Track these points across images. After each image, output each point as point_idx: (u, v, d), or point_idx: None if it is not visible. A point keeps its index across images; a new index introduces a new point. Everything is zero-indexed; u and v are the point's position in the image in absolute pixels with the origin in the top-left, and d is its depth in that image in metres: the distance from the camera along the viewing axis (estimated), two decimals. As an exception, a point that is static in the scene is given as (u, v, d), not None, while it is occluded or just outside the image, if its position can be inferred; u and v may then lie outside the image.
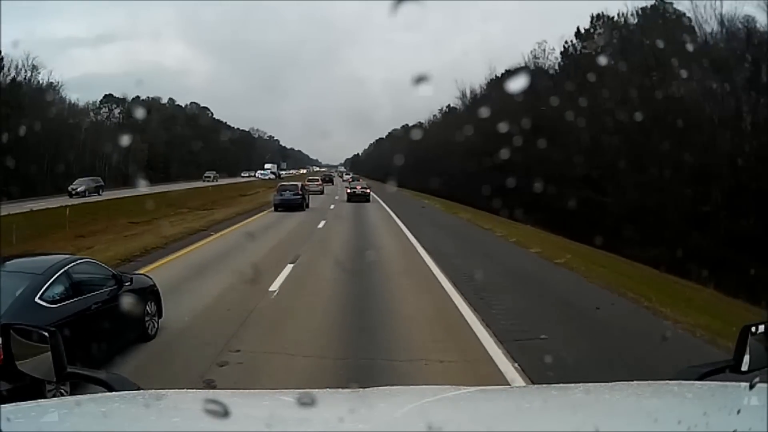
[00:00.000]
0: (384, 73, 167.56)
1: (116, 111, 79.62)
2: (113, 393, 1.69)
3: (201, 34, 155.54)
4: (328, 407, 1.66)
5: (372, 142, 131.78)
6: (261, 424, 1.46)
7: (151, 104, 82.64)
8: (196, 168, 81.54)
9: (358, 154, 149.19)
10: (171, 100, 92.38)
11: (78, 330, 5.43)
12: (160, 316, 7.41)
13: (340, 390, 2.13)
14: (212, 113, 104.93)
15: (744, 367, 1.71)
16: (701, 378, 1.77)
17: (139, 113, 78.58)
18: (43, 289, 5.42)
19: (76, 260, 6.32)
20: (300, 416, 1.56)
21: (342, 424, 1.45)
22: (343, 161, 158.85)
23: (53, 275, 5.63)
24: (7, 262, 6.16)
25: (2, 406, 1.43)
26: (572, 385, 1.77)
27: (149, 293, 7.36)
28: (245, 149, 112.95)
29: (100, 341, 5.80)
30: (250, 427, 1.44)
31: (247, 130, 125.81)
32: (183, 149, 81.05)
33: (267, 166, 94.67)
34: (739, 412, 1.38)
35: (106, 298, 6.24)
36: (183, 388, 1.97)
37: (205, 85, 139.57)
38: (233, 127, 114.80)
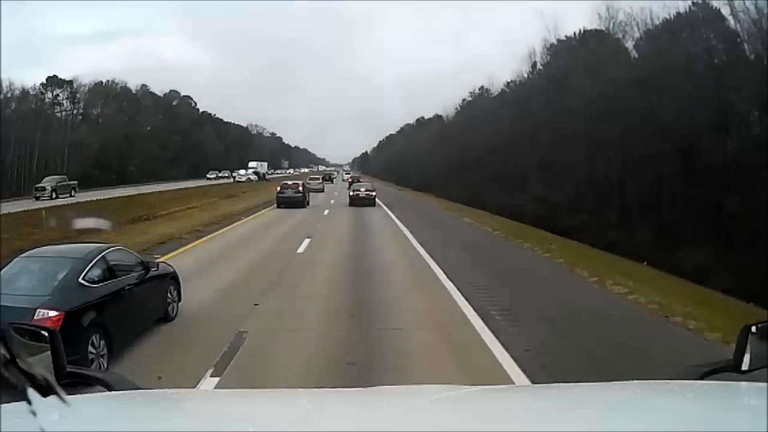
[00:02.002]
0: (394, 68, 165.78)
1: (62, 97, 62.85)
2: (113, 393, 1.69)
3: (201, 27, 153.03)
4: (329, 407, 1.66)
5: (381, 139, 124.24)
6: (261, 424, 1.46)
7: (109, 90, 67.32)
8: (168, 167, 68.67)
9: (366, 152, 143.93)
10: (144, 86, 75.70)
11: (113, 308, 6.40)
12: (179, 300, 8.26)
13: (341, 390, 2.14)
14: (195, 103, 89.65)
15: (744, 367, 1.71)
16: (701, 378, 1.77)
17: (93, 100, 64.80)
18: (85, 271, 6.31)
19: (110, 247, 7.15)
20: (301, 416, 1.56)
21: (342, 424, 1.45)
22: (350, 160, 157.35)
23: (92, 260, 6.52)
24: (50, 249, 7.34)
25: (2, 406, 1.43)
26: (572, 384, 1.77)
27: (171, 279, 8.21)
28: (238, 146, 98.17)
29: (132, 319, 6.82)
30: (250, 427, 1.44)
31: (244, 125, 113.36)
32: (152, 144, 68.04)
33: (251, 164, 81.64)
34: (739, 411, 1.38)
35: (136, 282, 7.09)
36: (189, 378, 1.97)
37: (203, 79, 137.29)
38: (226, 122, 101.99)
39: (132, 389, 1.74)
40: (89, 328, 5.95)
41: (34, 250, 7.28)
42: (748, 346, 1.70)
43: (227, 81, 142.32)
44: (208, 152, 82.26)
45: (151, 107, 75.05)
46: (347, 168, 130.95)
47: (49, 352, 1.70)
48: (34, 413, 1.53)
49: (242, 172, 72.98)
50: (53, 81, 60.67)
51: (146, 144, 66.80)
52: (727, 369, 1.78)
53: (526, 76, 44.34)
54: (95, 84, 65.77)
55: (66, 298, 5.91)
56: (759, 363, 1.70)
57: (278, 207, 29.44)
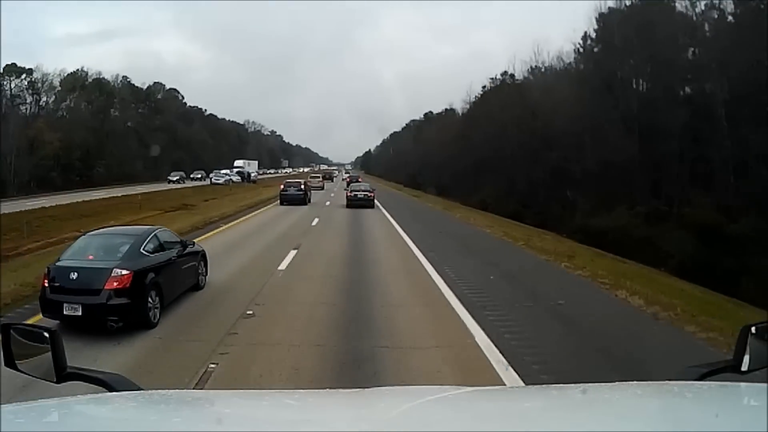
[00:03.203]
0: (397, 67, 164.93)
1: (23, 86, 55.74)
2: (113, 393, 1.69)
3: (199, 23, 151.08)
4: (328, 407, 1.67)
5: (386, 137, 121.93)
6: (261, 425, 1.46)
7: (77, 80, 59.42)
8: (150, 166, 62.07)
9: (369, 150, 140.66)
10: (124, 78, 68.92)
11: (164, 272, 8.38)
12: (206, 275, 10.42)
13: (340, 390, 2.14)
14: (183, 97, 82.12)
15: (744, 367, 1.71)
16: (701, 378, 1.77)
17: (62, 92, 57.50)
18: (143, 244, 8.29)
19: (158, 228, 9.31)
20: (300, 416, 1.56)
21: (342, 424, 1.46)
22: (353, 159, 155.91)
23: (148, 236, 8.58)
24: (111, 228, 10.61)
25: (2, 406, 1.43)
26: (572, 385, 1.77)
27: (201, 257, 10.30)
28: (232, 144, 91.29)
29: (176, 282, 8.91)
30: (250, 427, 1.44)
31: (241, 122, 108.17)
32: (129, 142, 61.54)
33: (237, 163, 73.72)
34: (739, 412, 1.38)
35: (177, 255, 9.08)
36: (186, 380, 1.96)
37: (201, 75, 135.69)
38: (220, 118, 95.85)
39: (132, 390, 1.74)
40: (149, 286, 7.86)
41: (96, 230, 9.79)
42: (748, 347, 1.71)
43: (226, 78, 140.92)
44: (196, 150, 75.17)
45: (129, 100, 67.59)
46: (349, 167, 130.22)
47: (49, 353, 1.70)
48: (34, 413, 1.54)
49: (225, 171, 63.16)
50: (11, 69, 54.16)
51: (121, 141, 59.79)
52: (727, 369, 1.78)
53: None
54: (66, 74, 58.61)
55: (133, 262, 7.82)
56: (758, 363, 1.71)
57: (281, 204, 30.82)
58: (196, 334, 7.56)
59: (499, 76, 53.55)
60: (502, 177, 39.28)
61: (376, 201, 30.40)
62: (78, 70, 60.67)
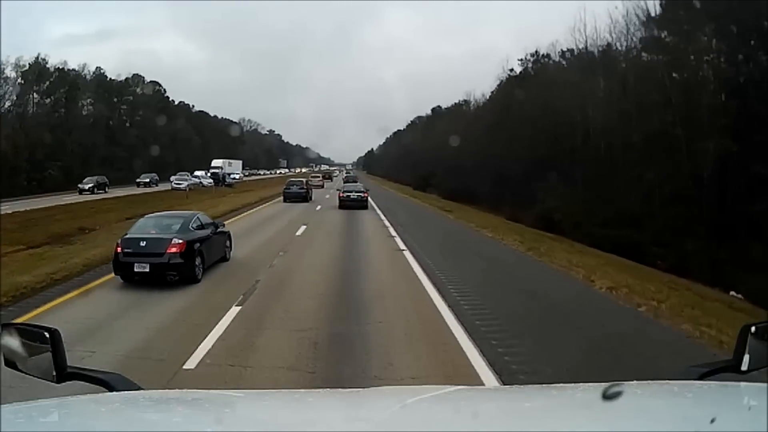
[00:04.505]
0: (399, 66, 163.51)
1: None
2: (113, 393, 1.69)
3: (197, 19, 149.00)
4: (328, 407, 1.67)
5: (389, 135, 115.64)
6: (260, 425, 1.46)
7: (32, 70, 51.58)
8: (118, 167, 53.87)
9: (372, 149, 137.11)
10: (98, 69, 61.19)
11: (204, 243, 11.46)
12: (231, 250, 13.65)
13: (339, 390, 2.14)
14: (165, 90, 72.35)
15: (744, 367, 1.71)
16: (701, 378, 1.77)
17: (11, 84, 49.01)
18: (191, 222, 11.63)
19: (199, 213, 12.73)
20: (300, 416, 1.56)
21: (342, 424, 1.46)
22: (355, 159, 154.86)
23: (193, 217, 12.01)
24: (165, 212, 13.60)
25: (2, 406, 1.43)
26: (572, 385, 1.77)
27: (227, 236, 13.62)
28: (224, 143, 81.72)
29: (212, 252, 12.00)
30: (250, 427, 1.45)
31: (235, 121, 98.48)
32: (95, 140, 54.36)
33: (215, 163, 64.29)
34: (739, 412, 1.38)
35: (211, 232, 12.24)
36: (184, 382, 1.97)
37: (202, 76, 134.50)
38: (213, 115, 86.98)
39: (132, 389, 1.74)
40: (196, 252, 10.96)
41: (153, 214, 12.73)
42: (748, 347, 1.71)
43: (224, 77, 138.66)
44: (180, 149, 66.70)
45: (99, 94, 59.77)
46: (350, 167, 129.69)
47: (49, 353, 1.70)
48: (34, 413, 1.54)
49: (199, 173, 55.42)
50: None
51: (87, 139, 53.04)
52: (727, 369, 1.79)
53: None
54: (16, 63, 50.71)
55: (185, 235, 10.99)
56: (758, 363, 1.71)
57: (285, 201, 33.40)
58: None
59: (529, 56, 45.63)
60: (575, 181, 27.23)
61: (387, 222, 23.49)
62: (37, 57, 53.32)
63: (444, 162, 51.37)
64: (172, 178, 50.45)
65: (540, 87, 36.34)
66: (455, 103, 69.70)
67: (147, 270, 10.23)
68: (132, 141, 56.72)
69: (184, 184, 46.48)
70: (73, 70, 57.68)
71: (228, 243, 13.41)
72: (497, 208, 32.08)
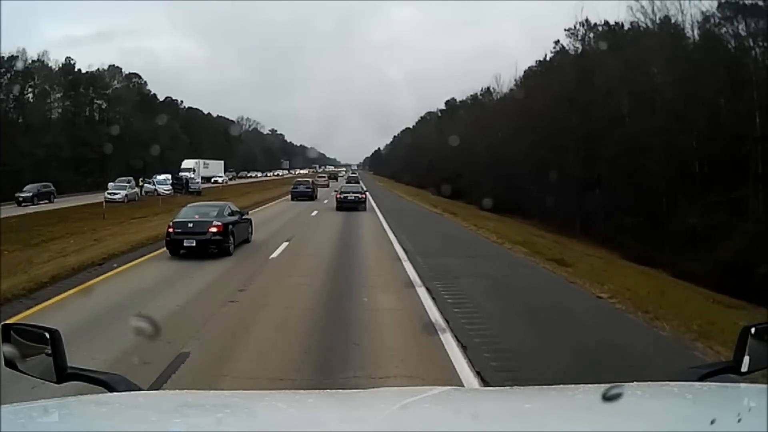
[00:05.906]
0: (406, 65, 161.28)
1: None
2: (113, 393, 1.69)
3: (199, 18, 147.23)
4: (327, 407, 1.67)
5: (396, 134, 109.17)
6: (260, 425, 1.46)
7: None
8: (84, 171, 47.39)
9: (379, 149, 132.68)
10: (68, 59, 53.97)
11: (235, 226, 14.64)
12: (252, 234, 16.60)
13: (339, 390, 2.14)
14: (146, 83, 64.94)
15: (744, 368, 1.71)
16: (701, 379, 1.77)
17: None
18: (225, 210, 14.81)
19: (229, 203, 15.95)
20: (299, 416, 1.56)
21: (341, 424, 1.46)
22: (362, 160, 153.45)
23: (226, 205, 15.30)
24: (204, 202, 16.98)
25: (2, 406, 1.43)
26: (572, 385, 1.77)
27: (250, 222, 16.64)
28: (216, 142, 75.47)
29: (240, 233, 15.19)
30: (249, 427, 1.45)
31: (232, 119, 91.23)
32: (58, 139, 47.55)
33: (186, 164, 56.15)
34: (739, 412, 1.38)
35: (239, 218, 15.39)
36: (184, 386, 1.97)
37: (202, 75, 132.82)
38: (206, 113, 79.87)
39: (132, 390, 1.74)
40: (229, 232, 14.11)
41: (194, 203, 16.34)
42: (747, 348, 1.70)
43: (224, 75, 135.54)
44: (163, 149, 53.72)
45: (63, 87, 53.25)
46: (356, 168, 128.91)
47: (49, 353, 1.70)
48: (34, 413, 1.54)
49: (161, 177, 44.92)
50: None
51: (48, 138, 46.49)
52: (727, 370, 1.78)
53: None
54: None
55: (222, 219, 14.14)
56: (758, 364, 1.70)
57: (292, 200, 35.37)
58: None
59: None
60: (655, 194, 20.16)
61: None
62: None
63: (472, 161, 42.01)
64: (109, 185, 38.14)
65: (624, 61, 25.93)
66: (474, 94, 61.88)
67: (194, 245, 13.47)
68: (103, 140, 46.06)
69: (121, 193, 36.01)
70: (37, 60, 51.26)
71: (250, 228, 16.49)
72: (587, 233, 20.90)
